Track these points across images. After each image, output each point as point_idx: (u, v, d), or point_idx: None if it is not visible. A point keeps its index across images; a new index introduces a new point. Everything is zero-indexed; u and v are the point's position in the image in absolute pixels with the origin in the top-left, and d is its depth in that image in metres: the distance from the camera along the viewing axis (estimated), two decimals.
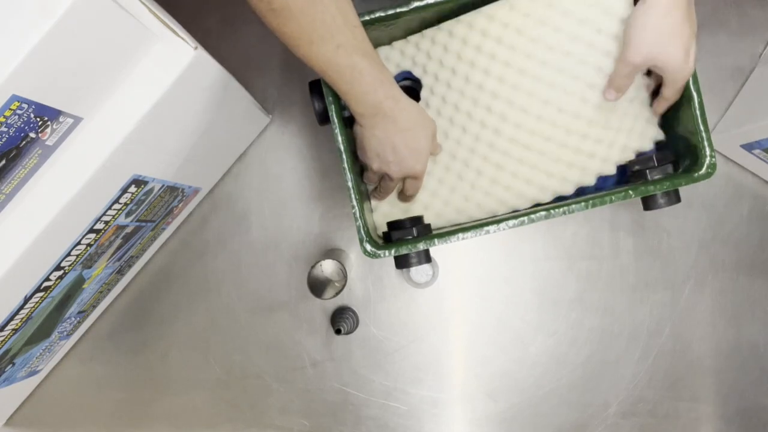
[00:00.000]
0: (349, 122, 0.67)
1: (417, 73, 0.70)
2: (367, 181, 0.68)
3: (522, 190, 0.68)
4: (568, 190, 0.67)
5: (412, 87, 0.72)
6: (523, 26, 0.64)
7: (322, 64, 0.56)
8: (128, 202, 0.65)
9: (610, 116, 0.65)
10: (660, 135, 0.68)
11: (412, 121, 0.60)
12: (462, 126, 0.68)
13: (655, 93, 0.66)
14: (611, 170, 0.67)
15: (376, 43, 0.69)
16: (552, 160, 0.66)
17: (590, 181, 0.67)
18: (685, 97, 0.63)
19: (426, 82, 0.69)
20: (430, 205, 0.70)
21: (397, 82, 0.70)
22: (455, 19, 0.67)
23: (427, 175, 0.69)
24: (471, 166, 0.68)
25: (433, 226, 0.70)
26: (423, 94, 0.70)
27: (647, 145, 0.67)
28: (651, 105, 0.66)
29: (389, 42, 0.70)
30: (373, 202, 0.71)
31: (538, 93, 0.65)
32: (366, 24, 0.63)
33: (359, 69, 0.56)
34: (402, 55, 0.70)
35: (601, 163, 0.67)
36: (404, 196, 0.68)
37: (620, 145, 0.66)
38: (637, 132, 0.67)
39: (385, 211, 0.71)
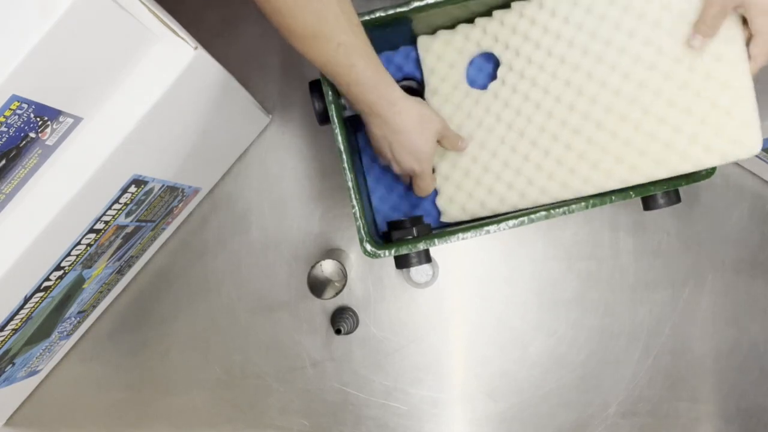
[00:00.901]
0: (349, 122, 0.67)
1: (497, 51, 0.66)
2: (395, 170, 0.67)
3: (584, 179, 0.62)
4: (637, 180, 0.61)
5: (414, 88, 0.72)
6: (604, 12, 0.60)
7: (322, 61, 0.57)
8: (128, 202, 0.65)
9: (692, 103, 0.57)
10: (756, 147, 0.56)
11: (406, 124, 0.60)
12: (539, 104, 0.64)
13: None
14: (688, 168, 0.59)
15: (457, 21, 0.68)
16: (625, 146, 0.60)
17: (662, 174, 0.60)
18: None
19: (505, 59, 0.66)
20: (474, 192, 0.67)
21: (398, 82, 0.70)
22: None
23: (473, 163, 0.67)
24: (519, 152, 0.65)
25: (476, 216, 0.68)
26: (500, 72, 0.66)
27: (741, 153, 0.57)
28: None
29: (471, 19, 0.68)
30: (439, 188, 0.69)
31: (610, 83, 0.60)
32: (366, 24, 0.63)
33: (357, 69, 0.57)
34: (484, 33, 0.67)
35: (679, 158, 0.58)
36: (415, 192, 0.68)
37: (704, 143, 0.57)
38: (726, 133, 0.57)
39: (450, 194, 0.68)
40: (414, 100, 0.61)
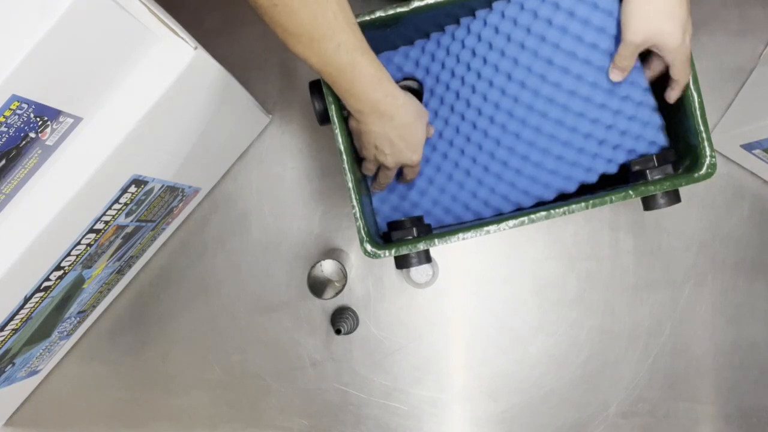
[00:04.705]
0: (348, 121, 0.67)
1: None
2: (366, 172, 0.69)
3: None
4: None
5: (414, 88, 0.72)
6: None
7: (322, 62, 0.56)
8: (128, 202, 0.65)
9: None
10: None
11: (410, 116, 0.61)
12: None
13: (657, 86, 0.65)
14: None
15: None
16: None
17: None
18: (685, 97, 0.63)
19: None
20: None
21: (398, 82, 0.70)
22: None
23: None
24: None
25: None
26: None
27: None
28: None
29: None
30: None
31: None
32: (366, 24, 0.63)
33: (359, 67, 0.56)
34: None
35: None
36: (404, 180, 0.70)
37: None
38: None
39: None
40: (407, 93, 0.62)
